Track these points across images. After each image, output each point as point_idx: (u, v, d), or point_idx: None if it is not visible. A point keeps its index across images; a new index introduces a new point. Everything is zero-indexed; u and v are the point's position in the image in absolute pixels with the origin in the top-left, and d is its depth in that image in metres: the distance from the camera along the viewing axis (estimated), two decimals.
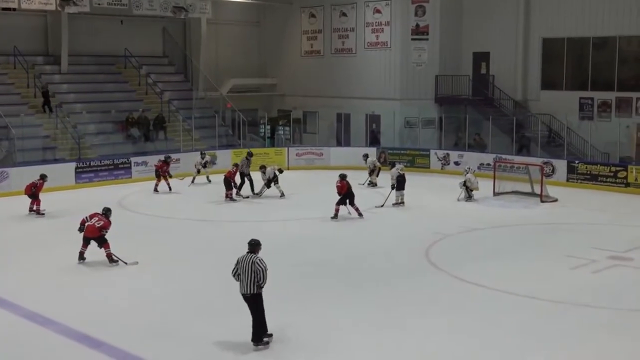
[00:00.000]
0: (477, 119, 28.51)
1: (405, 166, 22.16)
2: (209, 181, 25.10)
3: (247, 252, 10.55)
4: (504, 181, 23.12)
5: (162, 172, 23.65)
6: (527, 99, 29.04)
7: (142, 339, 10.83)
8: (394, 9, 30.14)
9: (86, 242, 14.89)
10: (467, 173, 22.22)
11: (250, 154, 24.24)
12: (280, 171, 22.80)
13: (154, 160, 24.71)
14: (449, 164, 27.82)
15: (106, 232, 14.81)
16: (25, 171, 22.24)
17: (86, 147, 26.48)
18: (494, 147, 27.12)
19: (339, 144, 31.22)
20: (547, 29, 28.41)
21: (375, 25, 30.81)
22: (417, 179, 24.49)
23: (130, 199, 22.60)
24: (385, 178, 22.61)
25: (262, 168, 22.82)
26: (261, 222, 18.85)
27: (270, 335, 10.62)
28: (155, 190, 23.53)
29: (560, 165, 25.01)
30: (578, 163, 24.79)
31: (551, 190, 22.34)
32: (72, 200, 21.85)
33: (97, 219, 14.85)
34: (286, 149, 29.75)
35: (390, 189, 21.23)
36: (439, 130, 29.62)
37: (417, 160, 28.49)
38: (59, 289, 13.44)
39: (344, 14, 31.97)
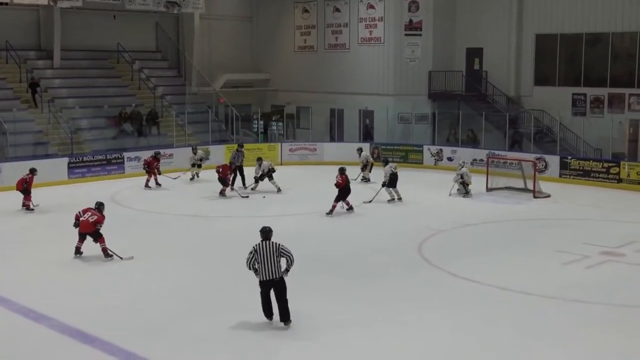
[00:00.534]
0: (470, 114, 28.54)
1: (398, 162, 22.16)
2: (197, 177, 24.93)
3: (262, 240, 10.84)
4: (496, 177, 23.13)
5: (152, 168, 23.61)
6: (520, 94, 29.09)
7: (136, 334, 10.82)
8: (387, 5, 30.12)
9: (82, 237, 14.85)
10: (463, 167, 22.23)
11: (241, 145, 24.24)
12: (273, 170, 22.80)
13: (147, 155, 24.63)
14: (442, 160, 27.85)
15: (100, 226, 14.79)
16: (18, 166, 22.07)
17: (79, 142, 26.40)
18: (487, 143, 27.16)
19: (332, 139, 31.22)
20: (540, 25, 28.45)
21: (369, 21, 30.80)
22: (410, 174, 24.52)
23: (123, 194, 22.55)
24: (378, 173, 22.61)
25: (259, 160, 22.86)
26: (255, 217, 18.81)
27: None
28: (147, 186, 23.49)
29: (553, 161, 25.07)
30: (571, 159, 24.86)
31: (544, 186, 22.41)
32: (65, 195, 21.78)
33: (90, 213, 14.82)
34: (279, 144, 29.72)
35: (381, 185, 21.24)
36: (432, 126, 29.66)
37: (410, 155, 28.51)
38: (52, 284, 13.41)
39: (338, 10, 31.96)
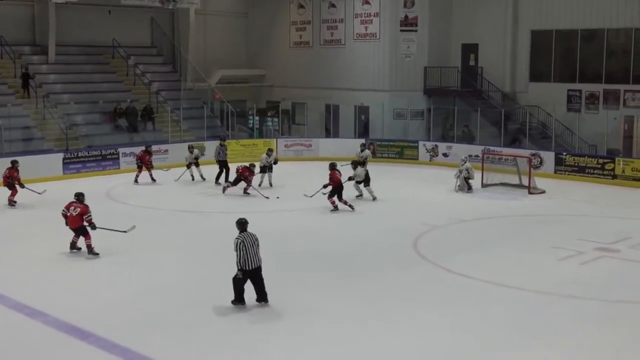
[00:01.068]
0: (466, 110, 28.57)
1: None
2: (202, 178, 23.87)
3: (241, 231, 11.50)
4: (492, 173, 23.16)
5: (144, 163, 23.51)
6: (515, 90, 29.13)
7: (131, 330, 10.80)
8: (383, 1, 30.10)
9: (76, 233, 14.81)
10: (466, 162, 22.21)
11: (223, 138, 24.14)
12: (275, 162, 22.93)
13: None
14: (437, 156, 27.86)
15: (89, 216, 14.65)
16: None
17: (74, 137, 26.34)
18: (482, 139, 27.18)
19: (327, 135, 31.20)
20: (535, 21, 28.47)
21: (364, 17, 30.77)
22: (406, 170, 24.54)
23: (118, 189, 22.51)
24: (371, 170, 22.18)
25: (270, 151, 23.18)
26: (250, 213, 18.72)
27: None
28: (136, 181, 23.32)
29: (548, 157, 25.10)
30: (566, 155, 24.90)
31: (539, 182, 22.43)
32: (59, 191, 21.56)
33: (73, 207, 14.71)
34: (275, 140, 29.69)
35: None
36: (428, 122, 29.67)
37: (405, 151, 28.51)
38: (46, 280, 13.38)
39: (333, 5, 31.92)
